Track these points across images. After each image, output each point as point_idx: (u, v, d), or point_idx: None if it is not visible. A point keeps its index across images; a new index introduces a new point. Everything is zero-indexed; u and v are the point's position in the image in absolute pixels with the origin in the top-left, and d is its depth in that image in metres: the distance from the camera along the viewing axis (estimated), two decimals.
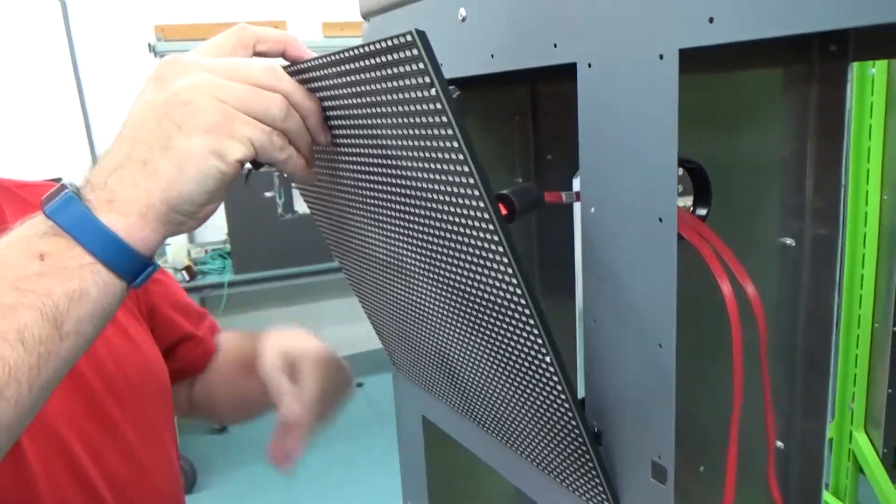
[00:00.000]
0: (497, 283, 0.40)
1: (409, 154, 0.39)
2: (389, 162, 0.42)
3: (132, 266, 0.40)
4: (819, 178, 0.49)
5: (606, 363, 0.44)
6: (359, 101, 0.41)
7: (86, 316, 0.38)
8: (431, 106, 0.34)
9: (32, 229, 0.39)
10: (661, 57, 0.36)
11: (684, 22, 0.34)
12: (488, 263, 0.39)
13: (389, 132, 0.40)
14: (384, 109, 0.39)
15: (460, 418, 0.63)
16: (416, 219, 0.43)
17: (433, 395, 0.66)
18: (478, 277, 0.41)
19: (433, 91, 0.34)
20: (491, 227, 0.36)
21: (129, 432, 0.65)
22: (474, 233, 0.38)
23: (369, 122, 0.41)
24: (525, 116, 0.76)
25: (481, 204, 0.36)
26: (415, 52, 0.33)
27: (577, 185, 0.73)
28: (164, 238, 0.42)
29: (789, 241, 0.50)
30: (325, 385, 0.68)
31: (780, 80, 0.48)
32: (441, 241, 0.42)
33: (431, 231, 0.43)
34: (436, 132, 0.35)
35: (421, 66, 0.33)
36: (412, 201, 0.43)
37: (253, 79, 0.42)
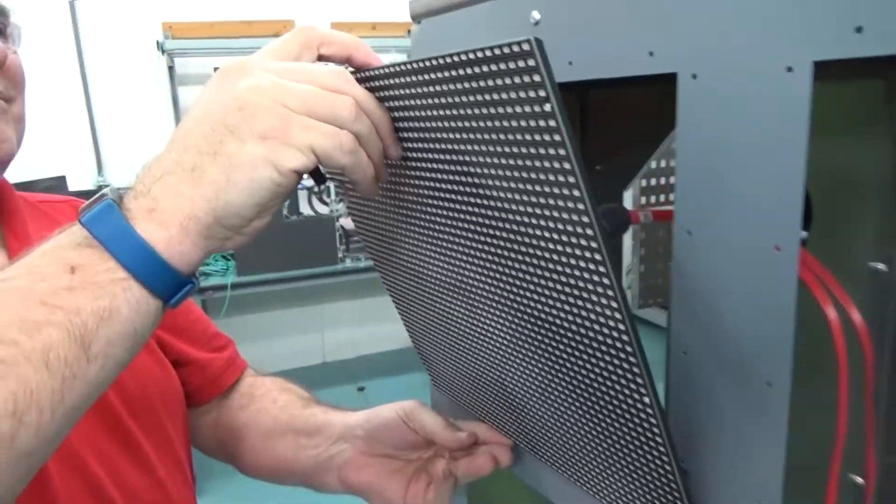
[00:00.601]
0: (595, 317, 0.36)
1: (504, 174, 0.36)
2: (474, 180, 0.39)
3: (168, 283, 0.37)
4: None
5: (698, 398, 0.40)
6: (442, 112, 0.37)
7: (116, 337, 0.35)
8: (543, 123, 0.31)
9: (67, 238, 0.36)
10: (790, 69, 0.32)
11: (824, 31, 0.30)
12: (586, 295, 0.36)
13: (481, 148, 0.36)
14: (479, 124, 0.35)
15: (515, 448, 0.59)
16: (500, 242, 0.40)
17: (480, 419, 0.62)
18: (571, 309, 0.38)
19: (547, 107, 0.30)
20: (598, 256, 0.33)
21: (145, 444, 0.62)
22: (574, 261, 0.35)
23: (455, 136, 0.38)
24: (574, 125, 0.73)
25: (589, 231, 0.33)
26: (531, 62, 0.30)
27: (627, 198, 0.69)
28: (207, 255, 0.38)
29: (881, 266, 0.47)
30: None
31: (880, 91, 0.45)
32: (528, 268, 0.39)
33: (518, 257, 0.39)
34: (544, 151, 0.32)
35: (537, 78, 0.30)
36: (497, 223, 0.39)
37: (320, 81, 0.39)
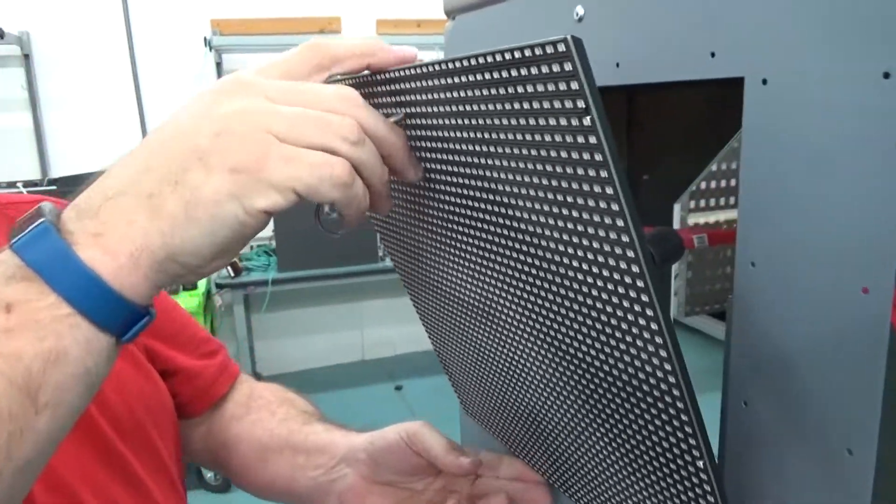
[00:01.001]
0: (639, 364, 0.31)
1: (535, 194, 0.31)
2: (503, 199, 0.34)
3: (119, 317, 0.32)
4: None
5: (760, 459, 0.34)
6: (466, 122, 0.32)
7: (66, 382, 0.30)
8: (581, 139, 0.26)
9: None
10: (887, 76, 0.26)
11: None
12: (629, 337, 0.30)
13: (510, 164, 0.31)
14: (507, 136, 0.30)
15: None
16: (531, 268, 0.35)
17: (512, 452, 0.57)
18: (611, 351, 0.33)
19: (587, 120, 0.25)
20: (644, 297, 0.28)
21: (139, 470, 0.57)
22: (614, 298, 0.30)
23: (481, 148, 0.33)
24: (619, 130, 0.67)
25: (634, 268, 0.27)
26: (567, 66, 0.25)
27: (677, 211, 0.63)
28: (161, 289, 0.33)
29: None
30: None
31: None
32: (562, 300, 0.34)
33: (551, 287, 0.34)
34: (582, 172, 0.27)
35: (574, 86, 0.25)
36: (529, 248, 0.34)
37: (319, 103, 0.33)
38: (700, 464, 0.31)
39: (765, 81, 0.31)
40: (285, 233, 2.97)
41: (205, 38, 3.20)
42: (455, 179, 0.37)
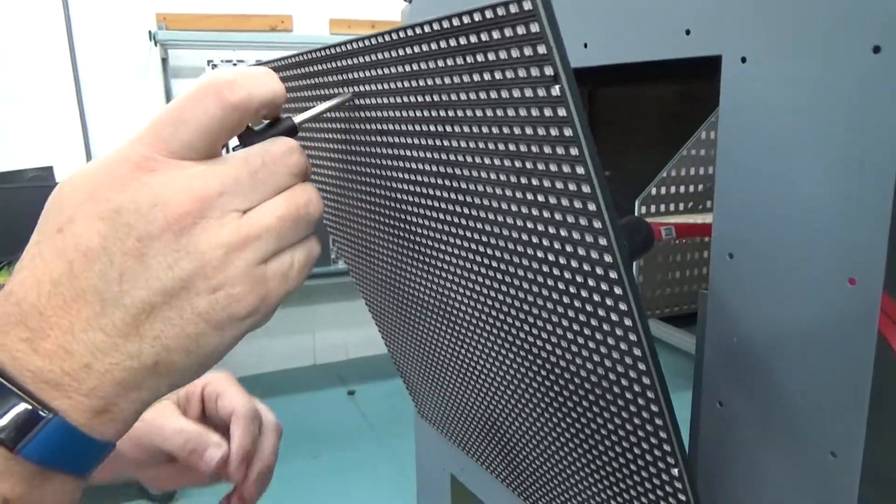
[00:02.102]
0: (611, 363, 0.28)
1: (500, 178, 0.28)
2: (465, 185, 0.31)
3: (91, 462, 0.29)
4: None
5: (736, 461, 0.32)
6: (425, 98, 0.29)
7: None
8: (549, 112, 0.23)
9: None
10: (877, 50, 0.25)
11: None
12: (600, 335, 0.28)
13: (471, 145, 0.28)
14: (467, 113, 0.27)
15: (503, 489, 0.52)
16: (495, 261, 0.32)
17: (469, 456, 0.55)
18: (580, 350, 0.30)
19: (556, 90, 0.22)
20: (618, 290, 0.25)
21: None
22: (585, 291, 0.27)
23: (439, 128, 0.30)
24: None
25: (607, 258, 0.25)
26: (534, 28, 0.22)
27: (638, 208, 0.62)
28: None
29: None
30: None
31: None
32: (528, 294, 0.31)
33: (516, 281, 0.31)
34: (550, 150, 0.24)
35: (542, 50, 0.22)
36: (491, 239, 0.31)
37: (280, 184, 0.29)
38: (675, 471, 0.29)
39: (744, 59, 0.29)
40: None
41: (150, 32, 3.09)
42: (411, 165, 0.34)
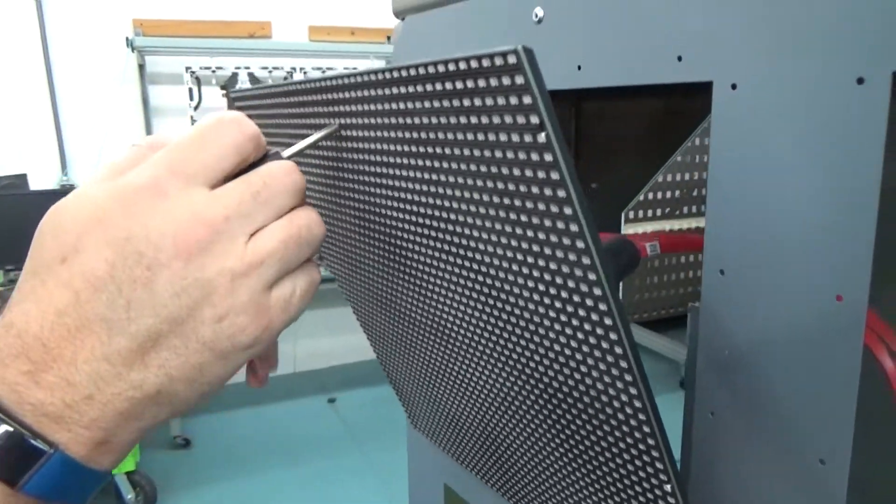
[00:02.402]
0: (598, 382, 0.29)
1: (485, 211, 0.29)
2: (450, 216, 0.32)
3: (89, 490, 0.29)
4: None
5: (727, 470, 0.34)
6: (412, 135, 0.30)
7: None
8: (535, 157, 0.24)
9: None
10: (860, 81, 0.26)
11: None
12: (583, 355, 0.29)
13: (455, 180, 0.29)
14: (454, 151, 0.28)
15: (498, 498, 0.52)
16: (481, 287, 0.33)
17: (463, 466, 0.55)
18: (567, 367, 0.31)
19: (542, 137, 0.23)
20: (603, 306, 0.26)
21: None
22: (570, 315, 0.28)
23: (424, 163, 0.31)
24: (566, 138, 0.67)
25: (597, 292, 0.26)
26: (520, 80, 0.23)
27: (624, 220, 0.63)
28: None
29: None
30: None
31: None
32: (515, 317, 0.32)
33: (504, 305, 0.32)
34: (536, 191, 0.25)
35: (528, 100, 0.23)
36: (479, 267, 0.32)
37: (282, 207, 0.30)
38: (668, 487, 0.30)
39: (734, 86, 0.31)
40: None
41: (127, 39, 3.06)
42: (397, 194, 0.35)
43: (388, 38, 3.31)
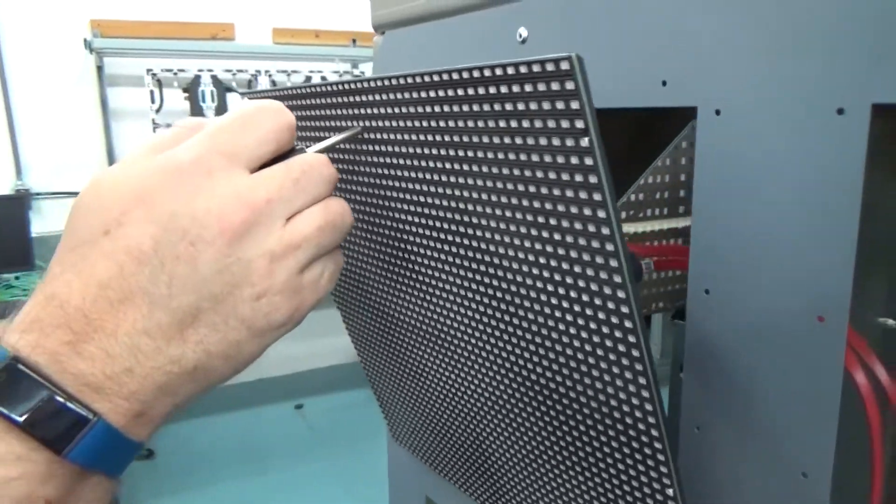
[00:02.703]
0: (614, 393, 0.30)
1: (513, 215, 0.30)
2: (472, 220, 0.32)
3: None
4: None
5: (714, 484, 0.35)
6: (443, 138, 0.31)
7: None
8: (575, 160, 0.25)
9: (24, 467, 0.26)
10: (841, 112, 0.27)
11: (892, 70, 0.26)
12: (601, 352, 0.30)
13: (484, 183, 0.30)
14: (487, 155, 0.29)
15: None
16: (497, 293, 0.34)
17: (447, 480, 0.56)
18: (581, 379, 0.32)
19: (585, 141, 0.24)
20: (627, 323, 0.27)
21: None
22: (592, 312, 0.29)
23: (452, 166, 0.31)
24: None
25: (620, 294, 0.27)
26: (570, 86, 0.24)
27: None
28: None
29: (891, 322, 0.43)
30: None
31: None
32: (530, 323, 0.33)
33: (522, 313, 0.33)
34: (572, 194, 0.26)
35: (575, 106, 0.24)
36: (498, 272, 0.33)
37: (318, 194, 0.31)
38: (670, 492, 0.31)
39: (718, 112, 0.32)
40: None
41: (84, 40, 2.98)
42: (414, 197, 0.35)
43: (353, 40, 3.29)
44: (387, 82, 0.32)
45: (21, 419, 0.25)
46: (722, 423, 0.34)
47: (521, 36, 0.42)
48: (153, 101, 2.96)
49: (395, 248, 0.40)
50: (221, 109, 2.92)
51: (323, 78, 3.11)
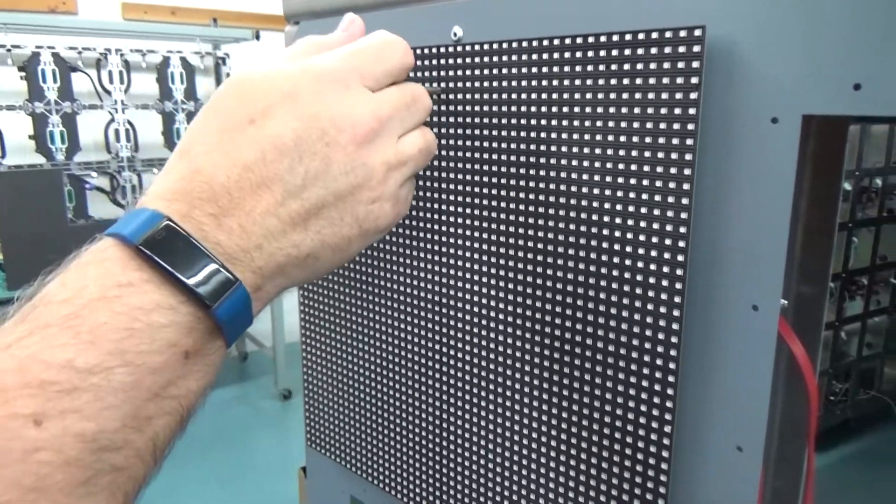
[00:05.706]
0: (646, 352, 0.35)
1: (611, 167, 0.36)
2: (554, 173, 0.39)
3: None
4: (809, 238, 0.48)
5: (687, 462, 0.37)
6: (551, 97, 0.37)
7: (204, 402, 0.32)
8: (679, 111, 0.32)
9: (176, 317, 0.28)
10: (775, 121, 0.30)
11: (819, 85, 0.29)
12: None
13: (581, 137, 0.37)
14: (596, 110, 0.35)
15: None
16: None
17: (371, 482, 0.55)
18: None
19: (693, 95, 0.31)
20: (677, 295, 0.33)
21: None
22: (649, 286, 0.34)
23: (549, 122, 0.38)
24: None
25: (681, 243, 0.33)
26: (696, 48, 0.31)
27: None
28: None
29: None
30: None
31: None
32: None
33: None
34: (664, 141, 0.33)
35: (695, 64, 0.31)
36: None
37: (399, 73, 0.35)
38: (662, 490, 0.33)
39: None
40: (16, 245, 2.53)
41: None
42: (475, 166, 0.42)
43: (214, 20, 3.11)
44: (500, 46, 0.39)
45: (189, 281, 0.27)
46: (688, 407, 0.37)
47: (455, 35, 0.42)
48: None
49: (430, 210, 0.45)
50: (65, 91, 2.65)
51: (183, 59, 2.91)
